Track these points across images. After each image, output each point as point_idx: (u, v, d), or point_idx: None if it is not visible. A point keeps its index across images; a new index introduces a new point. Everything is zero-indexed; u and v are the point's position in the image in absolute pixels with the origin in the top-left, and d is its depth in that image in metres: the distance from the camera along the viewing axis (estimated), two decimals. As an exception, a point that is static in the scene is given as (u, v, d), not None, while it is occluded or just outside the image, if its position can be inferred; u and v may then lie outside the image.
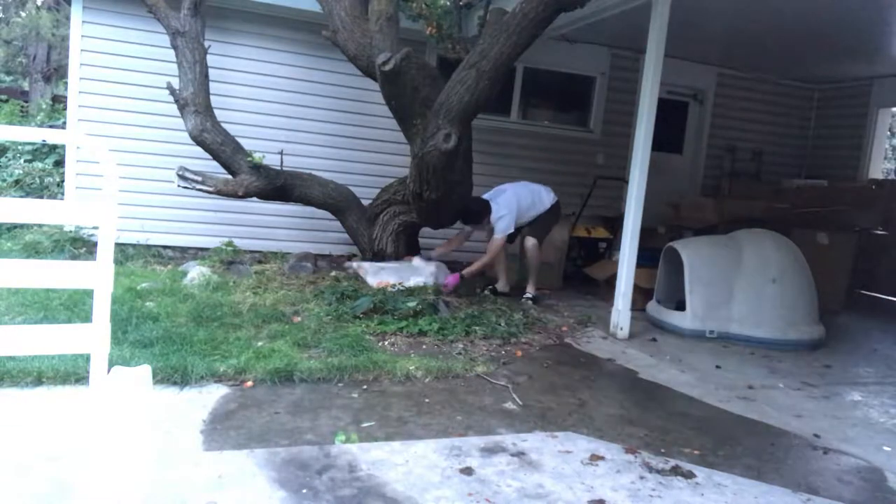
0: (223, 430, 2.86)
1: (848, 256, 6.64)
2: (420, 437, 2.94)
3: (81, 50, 6.31)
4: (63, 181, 6.72)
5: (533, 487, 2.55)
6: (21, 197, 7.01)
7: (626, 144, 7.26)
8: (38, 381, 3.12)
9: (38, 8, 13.60)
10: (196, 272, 5.26)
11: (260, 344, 3.90)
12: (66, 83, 7.78)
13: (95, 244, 1.58)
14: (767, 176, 8.71)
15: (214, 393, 3.26)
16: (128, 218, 6.22)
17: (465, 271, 5.72)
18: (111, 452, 1.48)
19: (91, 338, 1.61)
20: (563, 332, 5.00)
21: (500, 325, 4.81)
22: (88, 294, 1.61)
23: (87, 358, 1.64)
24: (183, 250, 6.65)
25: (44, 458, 2.28)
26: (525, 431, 3.10)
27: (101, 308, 1.61)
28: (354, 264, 5.92)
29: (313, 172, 6.26)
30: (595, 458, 2.85)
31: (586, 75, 7.93)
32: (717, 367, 4.46)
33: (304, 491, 2.38)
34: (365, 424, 3.03)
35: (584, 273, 6.76)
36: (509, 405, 3.44)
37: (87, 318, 1.64)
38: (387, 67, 4.73)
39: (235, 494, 2.32)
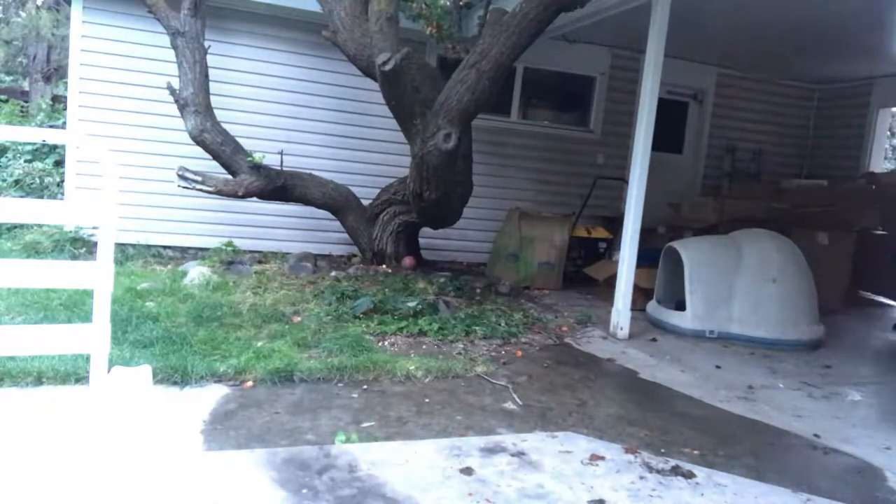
0: (223, 430, 2.86)
1: (848, 256, 6.64)
2: (420, 437, 2.94)
3: (81, 50, 6.31)
4: (63, 181, 6.72)
5: (533, 487, 2.55)
6: (21, 197, 7.01)
7: (626, 144, 7.26)
8: (38, 381, 3.12)
9: (38, 8, 13.60)
10: (196, 272, 5.26)
11: (260, 344, 3.90)
12: (66, 83, 7.78)
13: (95, 244, 1.58)
14: (767, 176, 8.71)
15: (214, 393, 3.26)
16: (128, 218, 6.22)
17: None
18: (111, 452, 1.48)
19: (91, 338, 1.61)
20: (563, 332, 5.00)
21: (500, 325, 4.81)
22: (88, 294, 1.61)
23: (87, 358, 1.64)
24: (183, 250, 6.65)
25: (44, 458, 2.28)
26: (525, 431, 3.10)
27: (101, 308, 1.61)
28: None
29: (313, 172, 6.26)
30: (595, 458, 2.85)
31: (586, 75, 7.93)
32: (718, 367, 4.46)
33: (304, 491, 2.38)
34: (365, 424, 3.03)
35: (584, 273, 6.76)
36: (509, 405, 3.44)
37: (87, 318, 1.64)
38: (387, 67, 4.73)
39: (235, 494, 2.32)
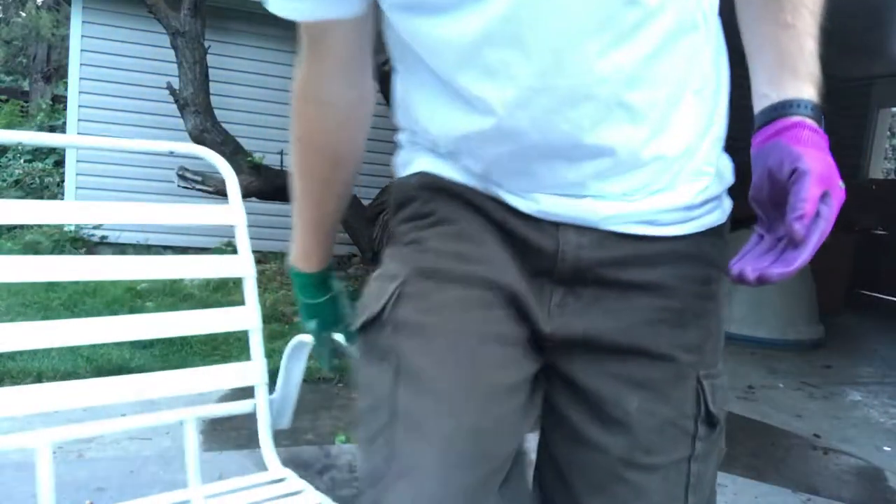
0: (223, 430, 2.86)
1: (848, 256, 6.64)
2: (420, 437, 2.94)
3: (81, 50, 6.31)
4: (63, 181, 6.72)
5: (533, 487, 2.54)
6: (21, 197, 7.01)
7: (626, 144, 7.26)
8: (38, 381, 3.12)
9: (38, 8, 13.60)
10: (196, 272, 5.26)
11: (260, 344, 3.89)
12: (66, 83, 7.79)
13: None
14: (767, 176, 8.71)
15: (214, 393, 3.26)
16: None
17: None
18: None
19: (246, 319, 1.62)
20: (563, 332, 4.99)
21: (500, 325, 4.80)
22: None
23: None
24: (183, 250, 6.65)
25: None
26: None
27: (250, 296, 1.62)
28: None
29: (313, 172, 6.25)
30: (595, 458, 2.84)
31: (586, 75, 7.93)
32: (717, 367, 4.46)
33: (304, 491, 2.38)
34: (365, 424, 3.03)
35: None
36: (509, 405, 3.43)
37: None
38: (387, 67, 4.74)
39: (235, 494, 2.32)
